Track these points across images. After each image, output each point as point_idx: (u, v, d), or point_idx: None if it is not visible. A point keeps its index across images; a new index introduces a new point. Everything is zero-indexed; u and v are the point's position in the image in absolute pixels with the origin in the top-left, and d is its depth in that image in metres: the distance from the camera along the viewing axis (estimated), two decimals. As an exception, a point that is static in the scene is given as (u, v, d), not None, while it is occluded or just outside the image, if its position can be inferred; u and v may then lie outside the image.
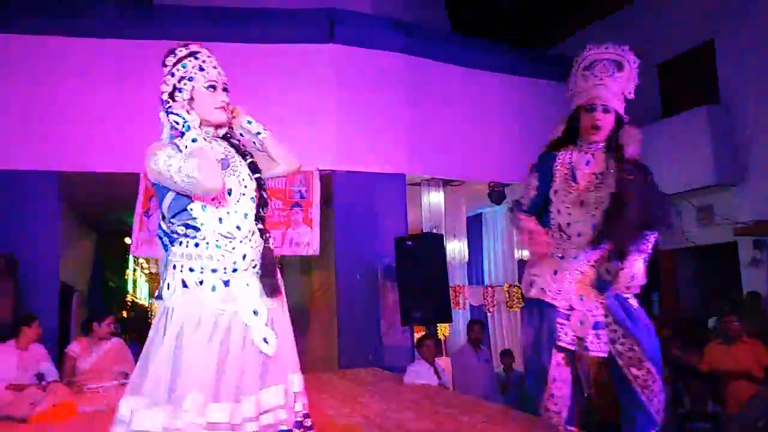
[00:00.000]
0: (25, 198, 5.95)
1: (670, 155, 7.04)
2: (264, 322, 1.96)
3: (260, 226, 2.05)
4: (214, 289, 1.94)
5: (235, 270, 1.96)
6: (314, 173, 6.55)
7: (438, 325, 6.98)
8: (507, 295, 8.60)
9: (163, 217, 2.02)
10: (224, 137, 2.13)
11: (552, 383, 2.52)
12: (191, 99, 2.02)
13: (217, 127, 2.10)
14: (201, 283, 1.93)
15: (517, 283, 8.65)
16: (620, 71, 2.57)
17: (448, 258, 7.14)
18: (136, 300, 14.19)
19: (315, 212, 6.50)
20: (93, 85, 6.25)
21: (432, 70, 7.27)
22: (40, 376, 4.63)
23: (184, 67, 2.03)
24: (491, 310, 8.72)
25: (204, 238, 1.95)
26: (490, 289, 8.77)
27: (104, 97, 6.23)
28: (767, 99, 6.82)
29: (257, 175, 2.08)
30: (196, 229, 1.96)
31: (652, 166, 2.68)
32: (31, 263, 5.69)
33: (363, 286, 6.53)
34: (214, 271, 1.95)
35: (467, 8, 9.47)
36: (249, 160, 2.09)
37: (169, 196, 1.97)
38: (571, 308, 2.53)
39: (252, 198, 2.04)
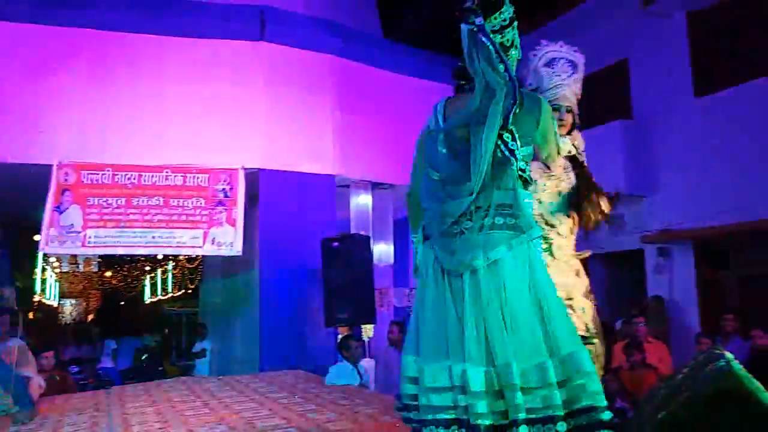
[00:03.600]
0: None
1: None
2: None
3: None
4: None
5: None
6: (239, 171, 6.41)
7: (362, 326, 6.97)
8: (431, 297, 8.71)
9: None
10: None
11: None
12: None
13: None
14: None
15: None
16: (575, 72, 2.68)
17: (375, 260, 7.16)
18: (44, 301, 13.36)
19: (239, 212, 6.36)
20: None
21: (363, 74, 7.30)
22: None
23: None
24: (416, 312, 8.80)
25: None
26: (414, 291, 8.86)
27: (11, 87, 5.88)
28: (676, 116, 7.28)
29: None
30: None
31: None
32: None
33: (287, 287, 6.45)
34: None
35: (398, 13, 9.58)
36: None
37: None
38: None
39: None
